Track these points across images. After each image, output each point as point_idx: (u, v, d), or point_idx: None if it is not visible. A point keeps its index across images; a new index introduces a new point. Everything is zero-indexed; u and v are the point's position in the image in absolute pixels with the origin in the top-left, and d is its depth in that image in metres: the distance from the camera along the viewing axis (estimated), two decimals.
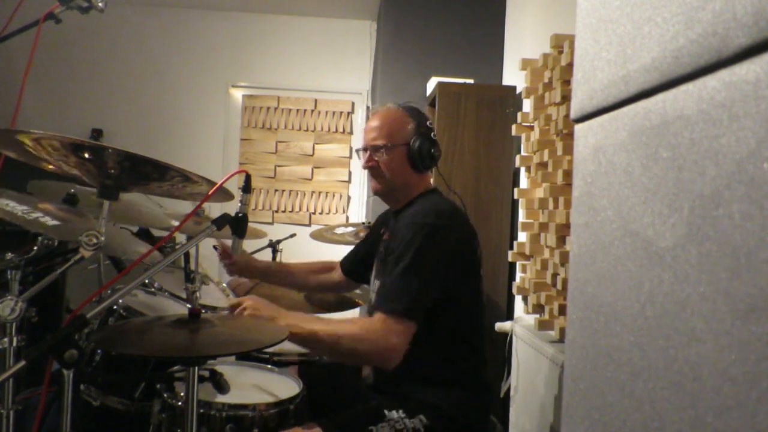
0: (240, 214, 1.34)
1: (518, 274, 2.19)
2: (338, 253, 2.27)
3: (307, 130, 4.34)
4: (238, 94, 4.37)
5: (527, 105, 2.13)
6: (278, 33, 4.33)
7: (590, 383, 0.52)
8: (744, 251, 0.35)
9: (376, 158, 1.61)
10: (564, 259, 1.75)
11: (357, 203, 4.34)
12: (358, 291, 2.38)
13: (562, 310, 1.77)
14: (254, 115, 4.35)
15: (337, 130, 4.34)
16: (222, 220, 1.27)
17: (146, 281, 2.04)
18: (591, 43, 0.55)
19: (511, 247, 2.29)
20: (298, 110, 4.34)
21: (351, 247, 2.06)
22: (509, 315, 2.66)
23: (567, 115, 1.75)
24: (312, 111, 4.34)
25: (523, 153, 2.14)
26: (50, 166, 1.23)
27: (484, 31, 3.29)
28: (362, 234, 2.52)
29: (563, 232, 1.75)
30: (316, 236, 2.66)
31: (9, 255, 1.46)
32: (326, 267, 1.99)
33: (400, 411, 1.44)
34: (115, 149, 1.08)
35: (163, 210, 2.32)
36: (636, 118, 0.47)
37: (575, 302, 0.56)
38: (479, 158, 2.64)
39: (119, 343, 1.37)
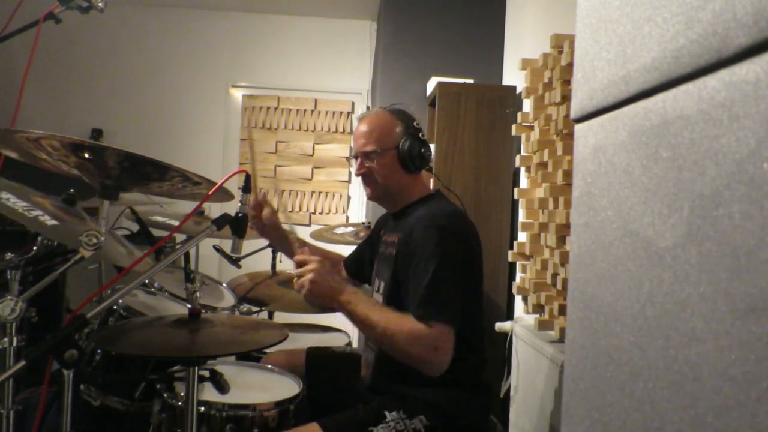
0: (240, 214, 1.34)
1: (518, 274, 2.19)
2: (338, 252, 2.27)
3: (307, 130, 4.34)
4: (238, 94, 4.37)
5: (527, 105, 2.13)
6: (278, 33, 4.33)
7: (590, 383, 0.52)
8: (744, 251, 0.35)
9: (367, 164, 1.61)
10: (564, 259, 1.75)
11: (357, 203, 4.34)
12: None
13: (562, 310, 1.77)
14: (254, 115, 4.35)
15: (337, 130, 4.34)
16: (222, 220, 1.27)
17: (146, 281, 2.04)
18: (591, 43, 0.55)
19: (511, 247, 2.29)
20: (298, 110, 4.34)
21: (351, 248, 2.06)
22: (509, 315, 2.66)
23: (567, 115, 1.75)
24: (312, 111, 4.34)
25: (523, 153, 2.14)
26: (50, 166, 1.23)
27: (484, 31, 3.29)
28: (362, 234, 2.53)
29: (563, 232, 1.75)
30: (316, 236, 2.66)
31: (9, 255, 1.46)
32: (339, 260, 2.00)
33: (400, 411, 1.44)
34: (115, 149, 1.08)
35: (163, 210, 2.32)
36: (636, 118, 0.47)
37: (575, 302, 0.56)
38: (479, 158, 2.64)
39: (119, 343, 1.38)
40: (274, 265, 2.56)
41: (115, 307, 1.85)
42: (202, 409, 1.46)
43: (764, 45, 0.34)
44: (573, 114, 0.58)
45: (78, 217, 1.64)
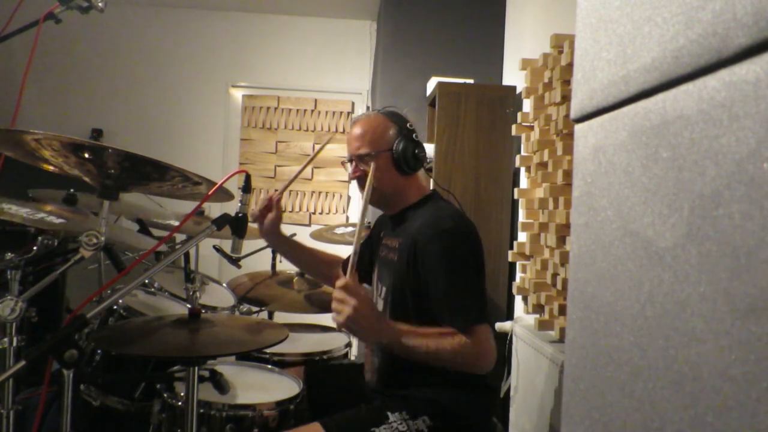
0: (240, 214, 1.34)
1: (518, 274, 2.19)
2: (338, 253, 2.27)
3: (307, 130, 4.34)
4: (238, 94, 4.37)
5: (527, 105, 2.13)
6: (278, 33, 4.33)
7: (590, 383, 0.52)
8: (744, 251, 0.35)
9: (362, 167, 1.61)
10: (564, 259, 1.75)
11: (357, 203, 4.34)
12: None
13: (562, 310, 1.77)
14: (254, 115, 4.35)
15: (337, 130, 4.34)
16: (222, 220, 1.27)
17: (146, 281, 2.04)
18: (591, 43, 0.55)
19: (511, 247, 2.29)
20: (298, 110, 4.34)
21: (351, 248, 2.06)
22: (509, 315, 2.66)
23: (567, 115, 1.75)
24: (312, 111, 4.34)
25: (523, 153, 2.14)
26: (50, 167, 1.23)
27: (484, 31, 3.29)
28: (362, 234, 2.52)
29: (563, 232, 1.75)
30: (316, 236, 2.66)
31: (9, 255, 1.47)
32: (336, 260, 2.00)
33: (403, 412, 1.44)
34: (115, 149, 1.08)
35: (164, 209, 2.32)
36: (636, 118, 0.47)
37: (575, 302, 0.56)
38: (479, 158, 2.64)
39: (119, 343, 1.38)
40: (274, 265, 2.56)
41: (115, 307, 1.85)
42: (202, 410, 1.46)
43: (764, 45, 0.34)
44: (573, 114, 0.58)
45: (81, 213, 1.65)
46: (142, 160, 1.10)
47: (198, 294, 1.52)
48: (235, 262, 2.02)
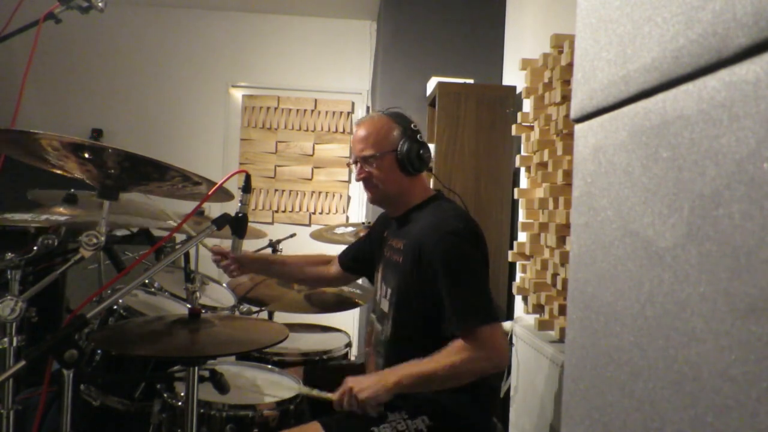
0: (240, 214, 1.34)
1: (518, 274, 2.19)
2: (338, 253, 2.27)
3: (307, 130, 4.34)
4: (238, 94, 4.37)
5: (527, 105, 2.13)
6: (278, 33, 4.33)
7: (590, 383, 0.52)
8: (744, 251, 0.35)
9: (367, 169, 1.61)
10: (564, 259, 1.75)
11: (357, 203, 4.34)
12: (358, 291, 2.38)
13: (562, 310, 1.77)
14: (254, 115, 4.35)
15: (337, 130, 4.34)
16: (222, 220, 1.27)
17: (146, 281, 2.04)
18: (591, 43, 0.55)
19: (511, 247, 2.29)
20: (298, 110, 4.34)
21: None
22: (509, 315, 2.66)
23: (567, 115, 1.75)
24: (312, 111, 4.34)
25: (523, 153, 2.14)
26: (50, 167, 1.23)
27: (484, 31, 3.29)
28: (362, 234, 2.52)
29: (563, 232, 1.75)
30: (316, 236, 2.66)
31: (9, 255, 1.47)
32: (322, 260, 1.99)
33: (402, 412, 1.44)
34: (115, 149, 1.08)
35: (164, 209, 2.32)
36: (636, 118, 0.47)
37: (575, 302, 0.56)
38: (479, 158, 2.64)
39: (119, 343, 1.38)
40: None
41: (115, 307, 1.85)
42: (202, 410, 1.46)
43: (764, 45, 0.34)
44: (573, 114, 0.58)
45: (83, 208, 1.65)
46: (142, 160, 1.10)
47: (198, 294, 1.52)
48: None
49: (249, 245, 2.34)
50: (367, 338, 1.75)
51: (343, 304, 2.38)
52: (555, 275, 1.82)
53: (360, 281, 2.32)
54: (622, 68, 0.49)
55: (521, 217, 2.13)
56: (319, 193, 4.33)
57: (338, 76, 4.33)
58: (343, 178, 4.33)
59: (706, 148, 0.39)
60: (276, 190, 4.32)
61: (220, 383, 1.43)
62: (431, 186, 1.89)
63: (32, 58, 1.75)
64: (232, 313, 2.18)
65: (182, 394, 1.46)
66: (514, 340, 2.13)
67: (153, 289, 2.11)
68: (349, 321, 3.93)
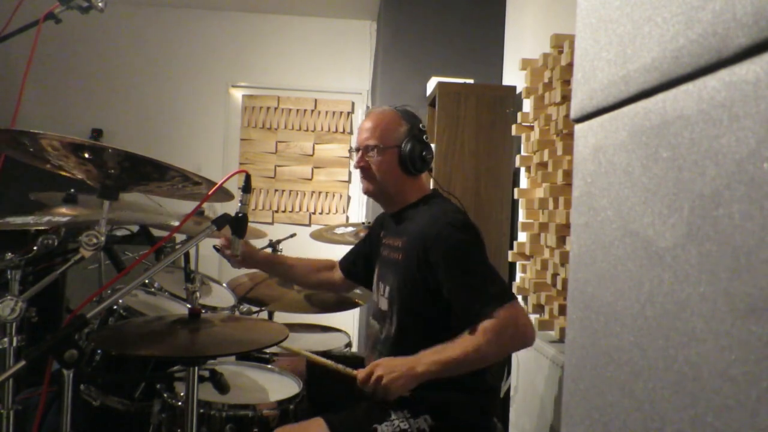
0: (240, 214, 1.34)
1: (518, 274, 2.19)
2: (338, 253, 2.27)
3: (307, 130, 4.34)
4: (238, 94, 4.37)
5: (527, 105, 2.13)
6: (278, 33, 4.33)
7: (590, 383, 0.52)
8: (744, 251, 0.35)
9: (367, 158, 1.61)
10: (564, 259, 1.75)
11: (357, 203, 4.34)
12: (358, 291, 2.38)
13: (562, 310, 1.77)
14: (254, 115, 4.35)
15: (337, 130, 4.34)
16: (222, 220, 1.27)
17: (146, 281, 2.04)
18: (591, 43, 0.55)
19: (511, 247, 2.29)
20: (298, 110, 4.34)
21: (351, 247, 2.06)
22: None
23: (567, 115, 1.75)
24: (312, 111, 4.34)
25: (523, 153, 2.14)
26: (50, 167, 1.23)
27: (484, 31, 3.29)
28: (362, 234, 2.52)
29: (563, 232, 1.75)
30: (316, 236, 2.66)
31: (9, 255, 1.46)
32: (328, 265, 1.99)
33: (405, 411, 1.44)
34: (115, 149, 1.08)
35: (164, 209, 2.32)
36: (636, 118, 0.47)
37: (575, 302, 0.56)
38: (479, 158, 2.64)
39: (119, 343, 1.38)
40: None
41: (115, 307, 1.85)
42: (202, 410, 1.46)
43: (764, 45, 0.34)
44: (573, 114, 0.58)
45: (84, 207, 1.65)
46: (142, 160, 1.10)
47: (198, 294, 1.51)
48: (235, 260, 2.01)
49: None
50: (366, 342, 1.75)
51: (343, 304, 2.38)
52: (555, 275, 1.82)
53: None
54: (622, 68, 0.49)
55: (521, 217, 2.13)
56: (319, 193, 4.33)
57: (338, 76, 4.33)
58: (343, 178, 4.33)
59: (706, 148, 0.39)
60: (276, 190, 4.32)
61: (220, 383, 1.43)
62: (430, 187, 1.88)
63: (32, 58, 1.75)
64: (232, 313, 2.18)
65: (182, 394, 1.46)
66: None
67: (153, 289, 2.11)
68: (349, 321, 3.93)
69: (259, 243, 2.62)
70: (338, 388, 1.75)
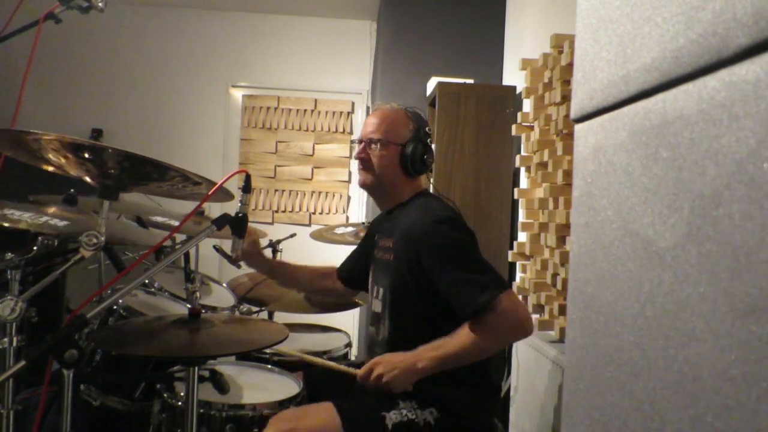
0: (240, 214, 1.34)
1: (518, 274, 2.19)
2: (338, 253, 2.27)
3: (307, 130, 4.34)
4: (238, 94, 4.37)
5: (527, 105, 2.13)
6: (278, 33, 4.33)
7: (590, 383, 0.52)
8: (744, 251, 0.35)
9: (369, 151, 1.62)
10: (564, 259, 1.75)
11: (357, 203, 4.34)
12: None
13: (562, 310, 1.77)
14: (254, 115, 4.35)
15: (337, 130, 4.34)
16: (222, 220, 1.27)
17: (146, 281, 2.04)
18: (591, 43, 0.55)
19: (511, 247, 2.29)
20: (298, 110, 4.34)
21: (351, 248, 2.06)
22: None
23: (567, 115, 1.75)
24: (312, 111, 4.34)
25: (523, 153, 2.14)
26: (51, 167, 1.23)
27: (484, 31, 3.29)
28: (362, 234, 2.52)
29: (563, 232, 1.75)
30: (316, 236, 2.66)
31: (9, 255, 1.46)
32: (330, 271, 1.98)
33: (413, 401, 1.46)
34: (115, 149, 1.08)
35: (164, 209, 2.32)
36: (636, 118, 0.47)
37: (575, 302, 0.56)
38: (479, 158, 2.64)
39: (119, 343, 1.38)
40: None
41: (115, 307, 1.85)
42: (202, 410, 1.46)
43: (764, 45, 0.34)
44: (573, 114, 0.58)
45: (82, 213, 1.65)
46: (142, 160, 1.10)
47: (198, 294, 1.51)
48: (235, 262, 2.01)
49: None
50: (366, 346, 1.75)
51: (343, 304, 2.38)
52: (555, 275, 1.82)
53: None
54: (622, 68, 0.49)
55: (521, 217, 2.13)
56: (319, 193, 4.33)
57: (338, 76, 4.33)
58: (343, 178, 4.33)
59: (706, 148, 0.39)
60: (276, 190, 4.32)
61: (220, 383, 1.43)
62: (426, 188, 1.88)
63: (32, 58, 1.75)
64: (232, 313, 2.18)
65: (182, 394, 1.46)
66: None
67: (153, 289, 2.11)
68: (349, 321, 3.93)
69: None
70: (338, 389, 1.76)
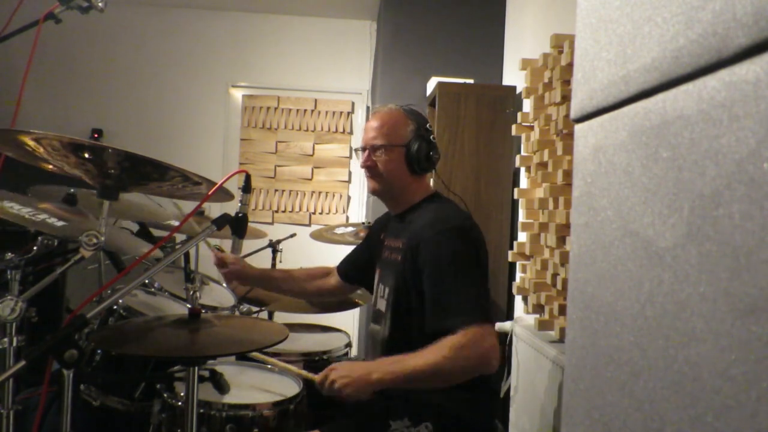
0: (240, 214, 1.34)
1: (518, 274, 2.19)
2: (338, 253, 2.26)
3: (307, 130, 4.34)
4: (238, 94, 4.37)
5: (527, 105, 2.13)
6: (278, 33, 4.33)
7: (590, 383, 0.52)
8: (744, 251, 0.35)
9: (374, 158, 1.61)
10: (564, 259, 1.75)
11: (357, 203, 4.34)
12: (358, 291, 2.38)
13: (562, 310, 1.77)
14: (254, 115, 4.35)
15: (337, 130, 4.34)
16: (222, 220, 1.27)
17: (146, 281, 2.04)
18: (591, 43, 0.55)
19: (511, 247, 2.29)
20: (298, 110, 4.34)
21: (351, 248, 2.06)
22: (509, 315, 2.66)
23: (567, 115, 1.75)
24: (312, 111, 4.34)
25: (523, 153, 2.14)
26: (50, 167, 1.23)
27: (484, 31, 3.29)
28: (362, 234, 2.52)
29: (563, 232, 1.75)
30: (316, 236, 2.66)
31: (9, 255, 1.46)
32: (323, 272, 1.98)
33: (405, 419, 1.43)
34: (115, 149, 1.08)
35: (165, 209, 2.32)
36: (636, 118, 0.47)
37: (575, 302, 0.56)
38: (479, 158, 2.64)
39: (119, 343, 1.38)
40: (274, 266, 2.56)
41: (115, 307, 1.85)
42: (202, 410, 1.46)
43: (764, 45, 0.34)
44: (573, 114, 0.58)
45: (81, 214, 1.65)
46: (142, 160, 1.10)
47: (198, 294, 1.51)
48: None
49: (249, 245, 2.33)
50: (368, 346, 1.75)
51: (343, 304, 2.38)
52: (555, 275, 1.82)
53: None
54: (622, 68, 0.49)
55: (521, 217, 2.13)
56: (319, 193, 4.33)
57: (338, 76, 4.33)
58: (343, 178, 4.33)
59: (706, 148, 0.39)
60: (276, 190, 4.32)
61: (220, 383, 1.43)
62: (432, 186, 1.88)
63: (32, 58, 1.75)
64: (232, 313, 2.18)
65: (182, 394, 1.46)
66: (514, 340, 2.13)
67: (153, 289, 2.11)
68: (349, 321, 3.93)
69: (259, 243, 2.62)
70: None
